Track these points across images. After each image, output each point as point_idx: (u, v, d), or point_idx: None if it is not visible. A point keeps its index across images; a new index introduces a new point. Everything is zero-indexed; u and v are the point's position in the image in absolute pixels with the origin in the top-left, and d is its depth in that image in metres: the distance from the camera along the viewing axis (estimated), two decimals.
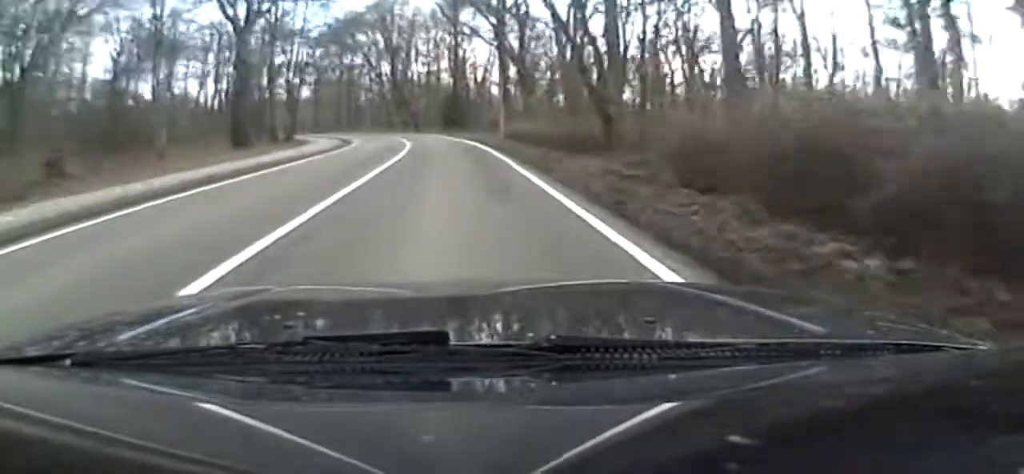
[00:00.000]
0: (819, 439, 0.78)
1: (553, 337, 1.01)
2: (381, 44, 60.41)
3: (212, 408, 0.91)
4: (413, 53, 60.43)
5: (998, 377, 1.02)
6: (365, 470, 0.67)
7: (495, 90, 50.01)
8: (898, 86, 22.79)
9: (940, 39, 20.25)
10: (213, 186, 14.10)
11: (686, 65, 31.27)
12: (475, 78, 54.94)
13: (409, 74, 61.45)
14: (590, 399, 0.95)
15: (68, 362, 1.03)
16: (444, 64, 60.16)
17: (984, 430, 0.79)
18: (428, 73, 60.79)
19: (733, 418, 0.83)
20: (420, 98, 59.54)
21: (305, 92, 69.52)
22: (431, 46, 59.80)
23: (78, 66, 31.74)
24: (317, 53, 60.25)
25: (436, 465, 0.69)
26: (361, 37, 60.52)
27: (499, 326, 1.41)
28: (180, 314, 1.39)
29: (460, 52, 55.90)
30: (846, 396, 0.92)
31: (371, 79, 65.45)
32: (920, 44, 19.25)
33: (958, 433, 0.79)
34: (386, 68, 61.96)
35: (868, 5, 24.20)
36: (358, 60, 63.59)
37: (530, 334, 1.22)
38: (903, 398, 0.92)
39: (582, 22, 23.91)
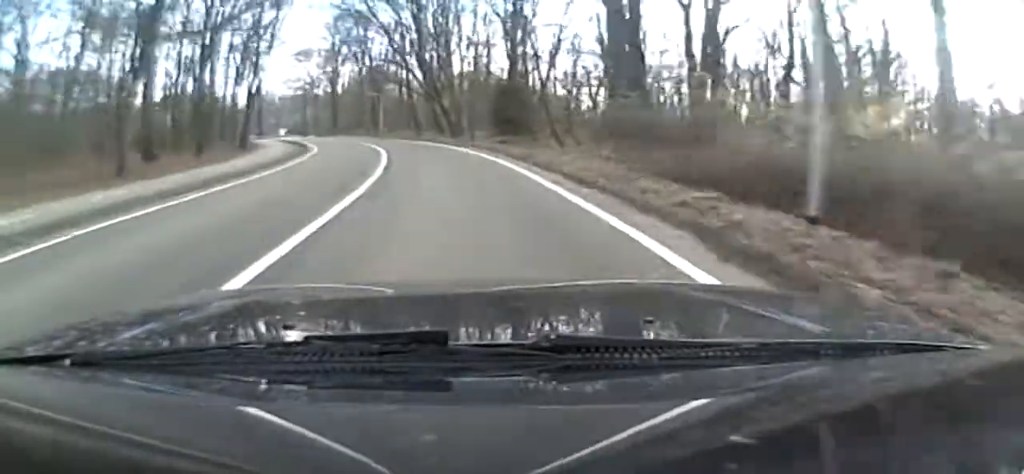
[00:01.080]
0: (819, 439, 0.78)
1: (553, 337, 1.01)
2: (407, 16, 42.67)
3: (212, 408, 0.91)
4: (455, 31, 41.84)
5: (998, 377, 1.02)
6: (365, 469, 0.68)
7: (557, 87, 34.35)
8: None
9: None
10: None
11: None
12: (537, 71, 35.02)
13: (447, 62, 42.75)
14: (590, 399, 0.95)
15: (68, 362, 1.03)
16: (498, 51, 41.76)
17: (984, 430, 0.79)
18: (474, 58, 41.64)
19: (733, 418, 0.83)
20: (463, 92, 42.00)
21: (321, 86, 61.56)
22: (480, 21, 41.75)
23: None
24: (334, 37, 50.78)
25: (436, 465, 0.70)
26: (385, 15, 43.61)
27: (499, 326, 1.41)
28: (180, 314, 1.39)
29: (519, 31, 35.82)
30: (846, 396, 0.92)
31: (397, 65, 47.45)
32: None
33: (958, 433, 0.79)
34: (414, 50, 43.78)
35: None
36: (384, 45, 47.58)
37: (530, 334, 1.23)
38: (903, 398, 0.92)
39: None
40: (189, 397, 0.95)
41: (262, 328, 1.38)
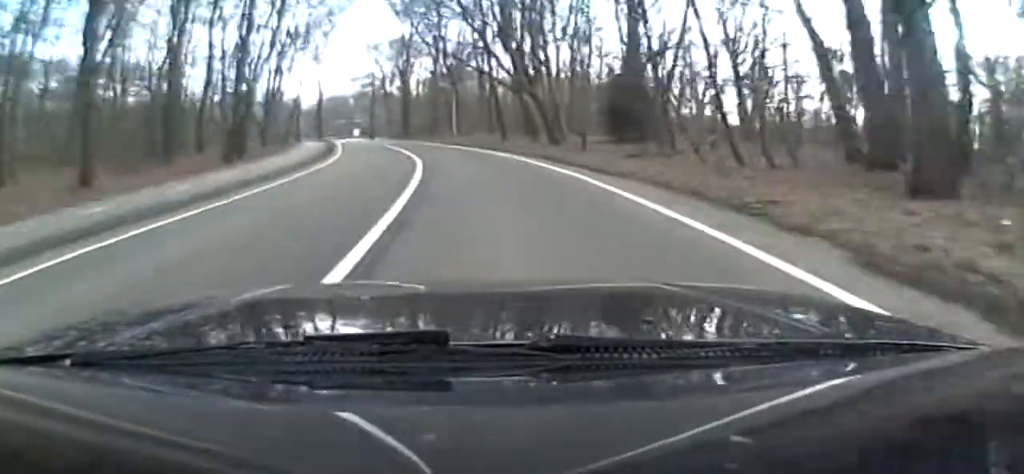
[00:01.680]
0: (819, 439, 0.77)
1: (553, 337, 1.02)
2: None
3: (212, 408, 0.92)
4: (548, 9, 34.20)
5: (998, 377, 1.02)
6: (365, 470, 0.69)
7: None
8: None
9: None
10: None
11: None
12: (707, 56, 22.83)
13: (542, 45, 34.45)
14: (590, 399, 0.94)
15: (68, 362, 1.04)
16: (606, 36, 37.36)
17: (984, 430, 0.79)
18: (572, 45, 33.94)
19: (733, 418, 0.82)
20: (562, 83, 34.05)
21: (394, 86, 55.42)
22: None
23: None
24: (404, 18, 44.88)
25: (435, 465, 0.69)
26: None
27: (499, 326, 1.41)
28: (180, 314, 1.39)
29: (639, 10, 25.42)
30: (846, 396, 0.92)
31: (478, 50, 39.96)
32: None
33: (958, 433, 0.79)
34: (498, 28, 35.71)
35: None
36: (462, 31, 41.15)
37: (530, 334, 1.22)
38: (903, 398, 0.91)
39: None
40: (189, 397, 0.95)
41: (262, 328, 1.39)
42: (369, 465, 0.69)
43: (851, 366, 1.04)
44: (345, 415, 0.89)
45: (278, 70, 37.61)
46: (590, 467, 0.66)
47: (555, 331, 1.13)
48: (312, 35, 39.17)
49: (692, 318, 1.49)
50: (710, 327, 1.44)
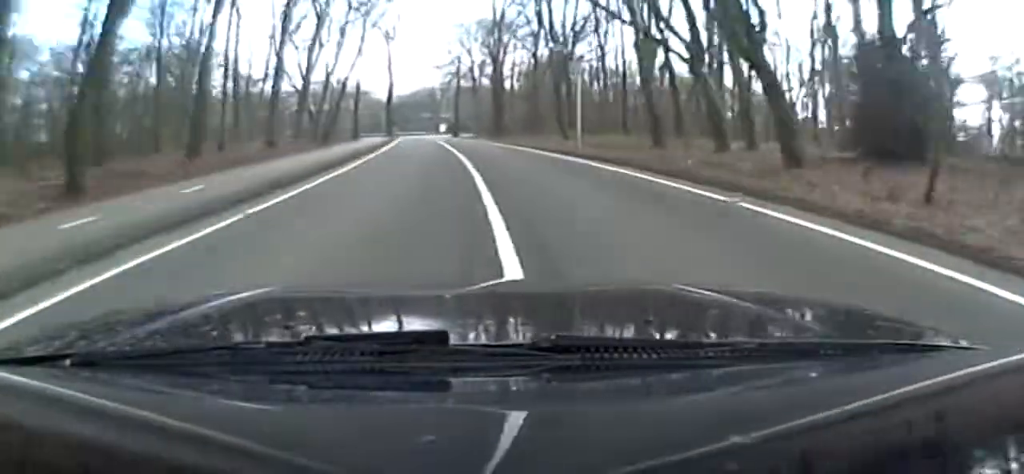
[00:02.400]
0: (818, 439, 0.77)
1: (553, 337, 1.01)
2: None
3: (212, 408, 0.92)
4: None
5: (998, 377, 1.01)
6: (366, 470, 0.68)
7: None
8: None
9: None
10: None
11: None
12: None
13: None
14: (589, 399, 0.95)
15: (68, 362, 1.04)
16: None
17: (983, 430, 0.79)
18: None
19: (733, 418, 0.83)
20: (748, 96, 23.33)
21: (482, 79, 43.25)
22: None
23: None
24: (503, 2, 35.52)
25: (436, 465, 0.70)
26: None
27: (499, 327, 1.41)
28: (180, 314, 1.39)
29: None
30: (846, 396, 0.91)
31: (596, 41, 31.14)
32: None
33: (957, 433, 0.79)
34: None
35: None
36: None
37: (530, 334, 1.23)
38: (903, 398, 0.90)
39: None
40: (189, 397, 0.95)
41: (263, 328, 1.40)
42: (369, 465, 0.69)
43: (851, 366, 1.04)
44: (346, 415, 0.89)
45: (315, 40, 30.21)
46: (590, 467, 0.66)
47: (555, 331, 1.12)
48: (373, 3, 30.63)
49: (692, 318, 1.49)
50: (710, 327, 1.44)
